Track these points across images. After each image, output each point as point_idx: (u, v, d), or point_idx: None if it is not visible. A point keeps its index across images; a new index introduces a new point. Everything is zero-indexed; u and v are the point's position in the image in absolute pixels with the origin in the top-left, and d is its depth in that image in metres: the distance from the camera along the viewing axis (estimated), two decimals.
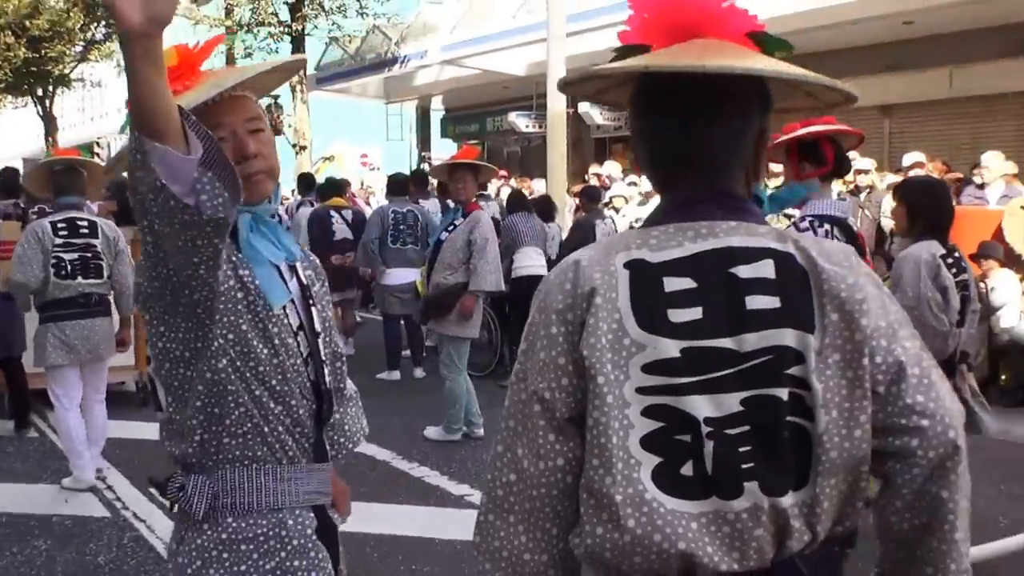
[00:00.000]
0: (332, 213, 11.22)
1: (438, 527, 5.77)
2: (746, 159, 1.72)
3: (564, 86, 1.93)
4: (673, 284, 1.59)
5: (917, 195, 5.08)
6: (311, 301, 2.33)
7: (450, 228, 7.59)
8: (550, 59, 13.35)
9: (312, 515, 2.26)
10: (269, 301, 2.15)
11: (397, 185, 10.60)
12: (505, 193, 14.95)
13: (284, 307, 2.21)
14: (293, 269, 2.32)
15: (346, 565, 2.44)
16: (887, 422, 1.59)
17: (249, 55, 23.96)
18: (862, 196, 11.19)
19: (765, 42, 1.72)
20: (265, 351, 2.13)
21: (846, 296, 1.58)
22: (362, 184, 20.52)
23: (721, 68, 1.62)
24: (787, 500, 1.54)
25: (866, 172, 11.54)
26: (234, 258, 2.13)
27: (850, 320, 1.56)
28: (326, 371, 2.32)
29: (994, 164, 10.55)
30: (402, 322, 10.36)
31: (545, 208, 11.36)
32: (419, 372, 10.29)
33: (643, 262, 1.61)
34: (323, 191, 12.05)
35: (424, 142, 28.06)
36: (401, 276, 9.75)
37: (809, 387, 1.55)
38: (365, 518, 5.92)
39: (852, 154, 11.09)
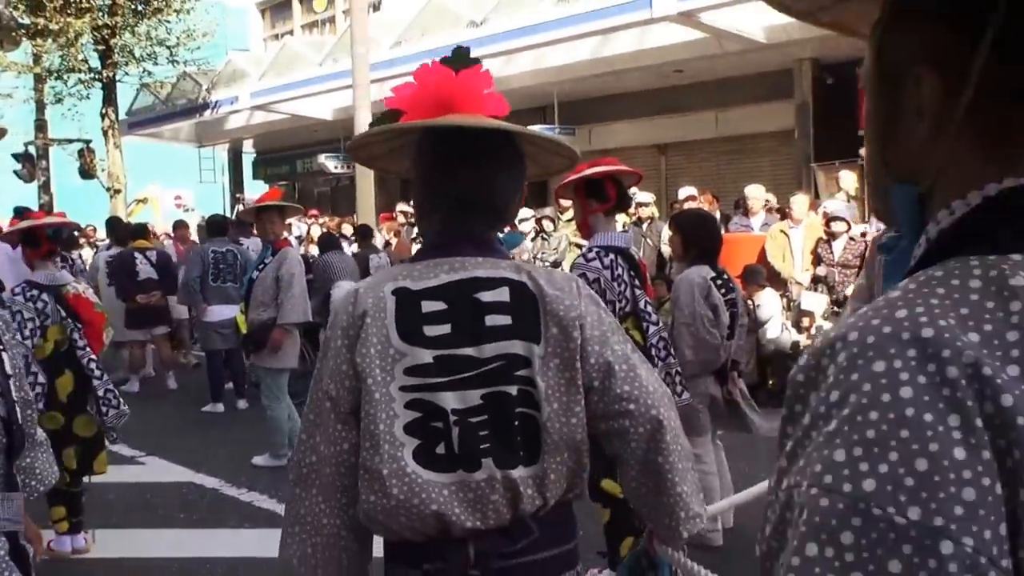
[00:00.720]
0: (135, 255, 11.02)
1: (270, 547, 5.64)
2: (514, 206, 2.04)
3: (354, 149, 2.19)
4: (429, 306, 1.89)
5: (690, 226, 5.40)
6: (1, 348, 2.38)
7: (260, 267, 7.54)
8: (355, 104, 13.40)
9: (4, 539, 2.32)
10: None
11: (216, 226, 10.52)
12: (316, 231, 14.88)
13: None
14: None
15: None
16: (604, 410, 1.91)
17: (59, 101, 22.94)
18: (644, 226, 11.61)
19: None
20: None
21: (563, 315, 1.88)
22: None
23: (526, 130, 1.95)
24: (517, 473, 1.84)
25: (646, 205, 11.98)
26: None
27: (566, 333, 1.88)
28: (18, 411, 2.37)
29: (757, 195, 11.17)
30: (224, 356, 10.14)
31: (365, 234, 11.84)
32: (242, 403, 10.08)
33: (406, 289, 1.91)
34: (132, 234, 11.77)
35: (237, 184, 27.44)
36: (221, 312, 9.61)
37: (535, 385, 1.85)
38: (199, 543, 5.83)
39: (633, 189, 11.51)
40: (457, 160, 1.94)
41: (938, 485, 0.70)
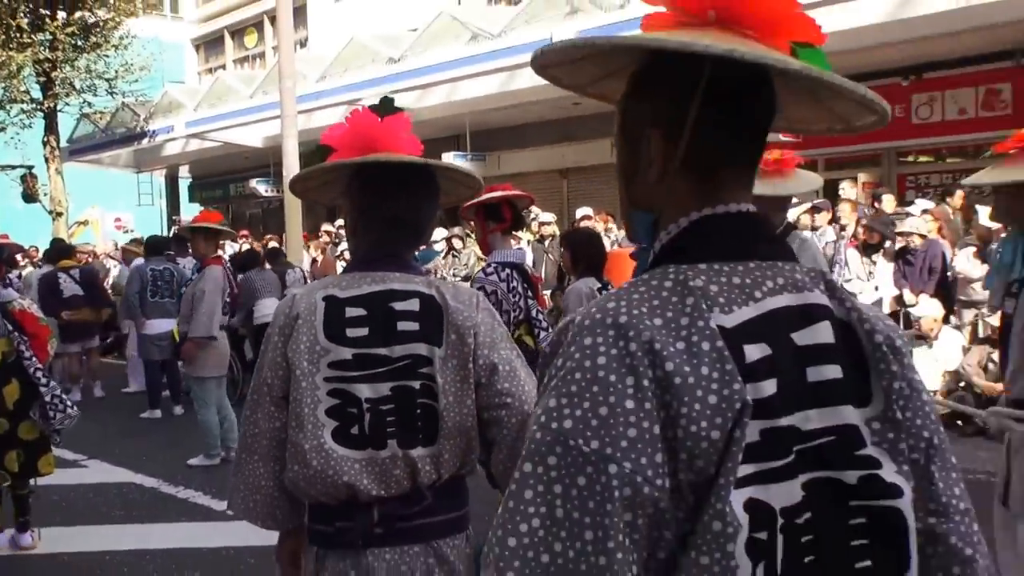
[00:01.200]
0: (59, 274, 10.93)
1: (205, 538, 5.77)
2: (431, 228, 2.27)
3: (296, 183, 2.37)
4: (352, 312, 2.09)
5: (578, 243, 5.58)
6: None
7: (188, 283, 7.61)
8: (284, 133, 13.41)
9: None
10: None
11: (154, 246, 10.49)
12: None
13: None
14: None
15: None
16: (488, 402, 2.12)
17: (2, 130, 22.35)
18: (546, 243, 11.85)
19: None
20: None
21: (461, 323, 2.09)
22: (116, 245, 19.57)
23: (444, 164, 2.24)
24: (416, 452, 2.06)
25: (549, 224, 12.22)
26: None
27: (462, 339, 2.09)
28: None
29: None
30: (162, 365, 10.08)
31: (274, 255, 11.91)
32: (178, 409, 10.06)
33: (335, 297, 2.11)
34: (58, 254, 11.62)
35: (174, 207, 27.03)
36: (159, 326, 9.60)
37: (435, 381, 2.06)
38: (140, 537, 5.87)
39: (536, 210, 11.67)
40: (390, 190, 2.15)
41: (612, 425, 0.95)
